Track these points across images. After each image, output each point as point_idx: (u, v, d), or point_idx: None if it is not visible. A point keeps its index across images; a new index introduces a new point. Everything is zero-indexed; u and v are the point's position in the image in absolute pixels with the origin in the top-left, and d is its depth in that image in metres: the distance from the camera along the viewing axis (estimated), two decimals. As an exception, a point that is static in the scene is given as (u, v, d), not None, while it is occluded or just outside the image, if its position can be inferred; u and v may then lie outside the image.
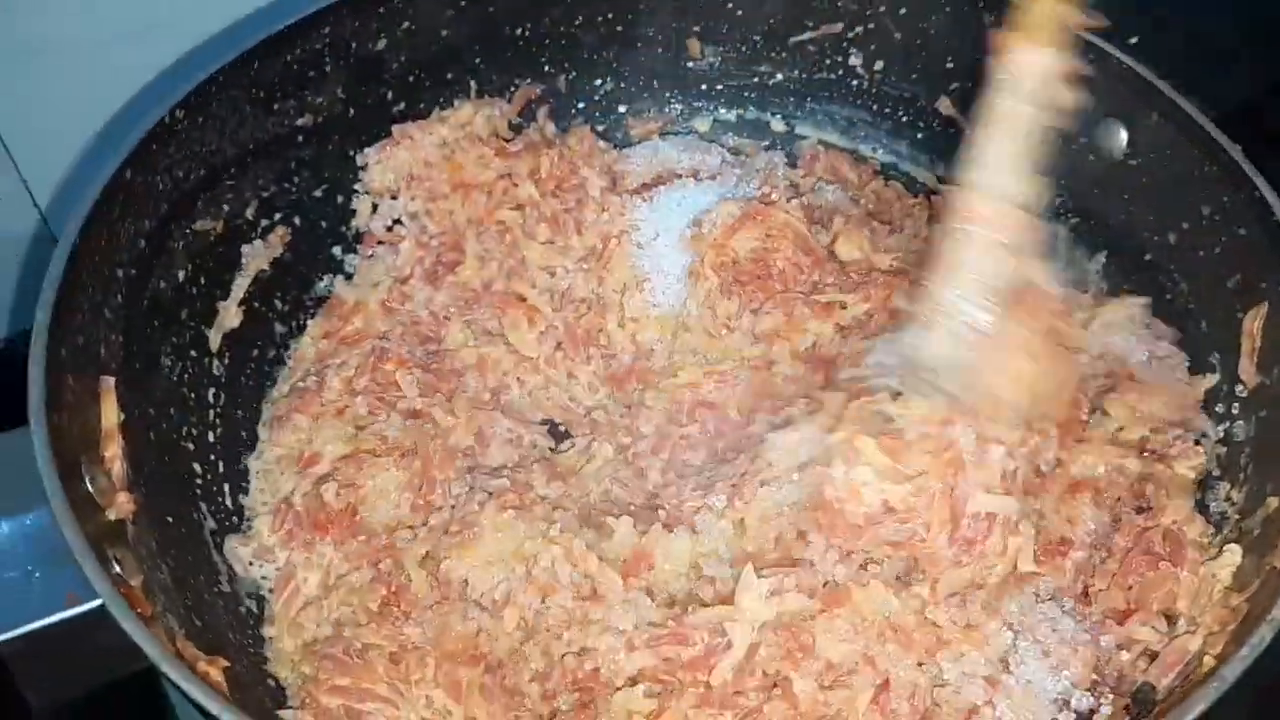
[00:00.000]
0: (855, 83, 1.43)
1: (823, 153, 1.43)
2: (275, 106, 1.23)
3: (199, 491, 1.12)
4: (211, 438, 1.16)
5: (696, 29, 1.43)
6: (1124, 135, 1.19)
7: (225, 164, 1.19)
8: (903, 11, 1.34)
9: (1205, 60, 1.29)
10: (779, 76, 1.45)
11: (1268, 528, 0.96)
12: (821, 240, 1.29)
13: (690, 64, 1.46)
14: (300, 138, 1.26)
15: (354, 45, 1.26)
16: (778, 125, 1.47)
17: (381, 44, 1.28)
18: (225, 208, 1.20)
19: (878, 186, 1.41)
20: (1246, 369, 1.07)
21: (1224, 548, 0.98)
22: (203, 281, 1.18)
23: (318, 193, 1.31)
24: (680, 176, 1.36)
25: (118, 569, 0.86)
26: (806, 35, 1.41)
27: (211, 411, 1.17)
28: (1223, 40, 1.43)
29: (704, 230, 1.27)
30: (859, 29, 1.38)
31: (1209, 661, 0.86)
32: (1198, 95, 1.14)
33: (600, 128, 1.45)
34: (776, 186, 1.33)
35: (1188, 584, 0.97)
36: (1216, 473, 1.06)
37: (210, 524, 1.11)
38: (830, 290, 1.24)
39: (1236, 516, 1.01)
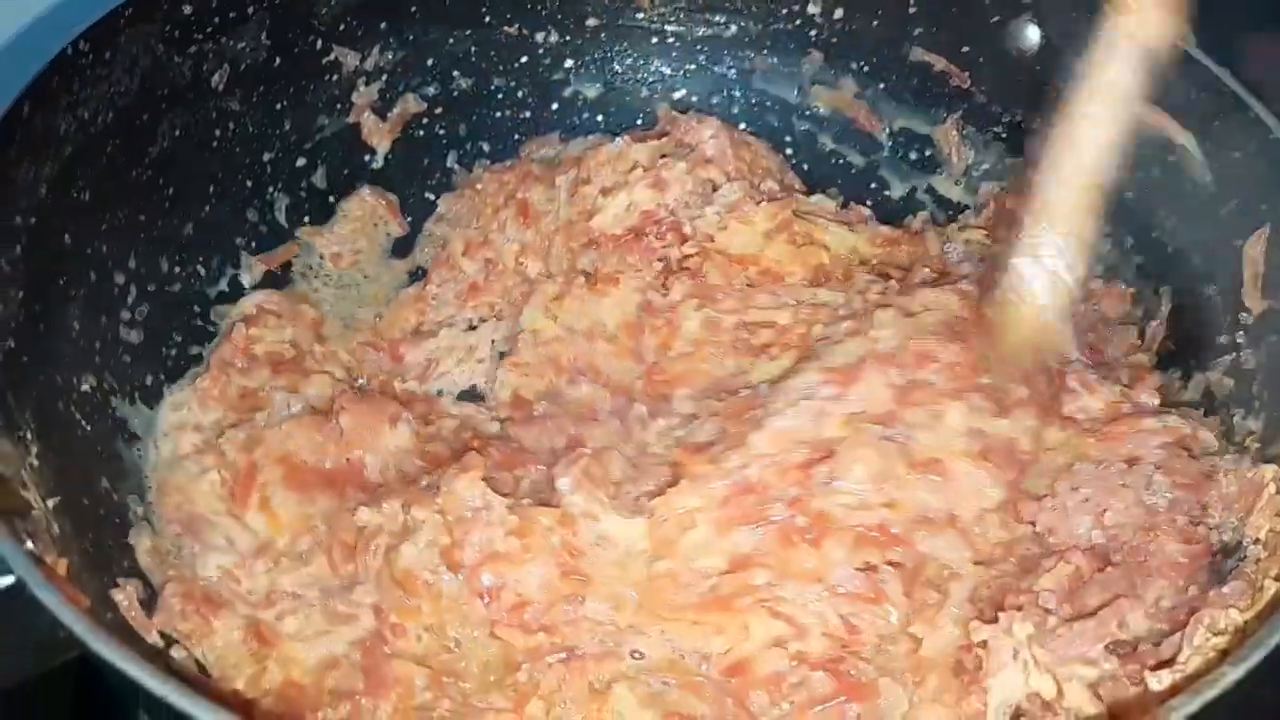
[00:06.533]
0: (813, 32, 1.36)
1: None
2: (191, 49, 1.10)
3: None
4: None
5: (647, -22, 1.35)
6: (1035, 31, 1.21)
7: (136, 108, 1.06)
8: (862, -48, 1.28)
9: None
10: (733, 28, 1.38)
11: (1295, 453, 0.91)
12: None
13: (639, 14, 1.37)
14: (221, 85, 1.14)
15: (280, -15, 1.15)
16: (732, 76, 1.39)
17: (311, -15, 1.17)
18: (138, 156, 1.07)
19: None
20: (1251, 295, 1.02)
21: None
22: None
23: (238, 148, 1.18)
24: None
25: (30, 545, 0.72)
26: (762, -18, 1.34)
27: (123, 379, 1.03)
28: None
29: None
30: (816, -27, 1.31)
31: (1271, 585, 0.80)
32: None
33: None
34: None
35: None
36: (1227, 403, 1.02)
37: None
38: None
39: (1258, 445, 0.96)
